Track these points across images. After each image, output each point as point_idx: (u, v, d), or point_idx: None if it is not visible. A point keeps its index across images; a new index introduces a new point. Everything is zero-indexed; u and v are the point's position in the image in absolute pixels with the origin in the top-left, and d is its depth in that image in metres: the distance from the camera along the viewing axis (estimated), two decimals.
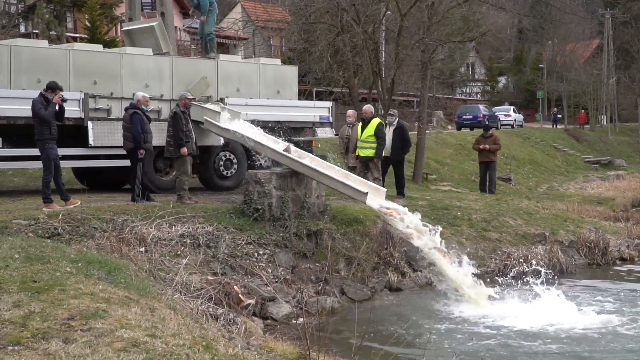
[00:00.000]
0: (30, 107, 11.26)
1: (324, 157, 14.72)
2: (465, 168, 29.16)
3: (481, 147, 19.49)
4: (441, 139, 33.31)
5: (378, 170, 15.23)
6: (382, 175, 16.59)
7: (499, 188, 26.68)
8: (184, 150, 12.65)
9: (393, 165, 16.45)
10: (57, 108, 11.27)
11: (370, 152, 14.99)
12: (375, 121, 15.08)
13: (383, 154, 16.36)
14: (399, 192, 16.33)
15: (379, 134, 15.00)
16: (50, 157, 11.21)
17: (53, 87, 11.25)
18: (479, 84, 66.35)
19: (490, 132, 20.09)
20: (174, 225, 11.22)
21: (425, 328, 10.07)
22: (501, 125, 46.35)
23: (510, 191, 25.82)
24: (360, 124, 15.39)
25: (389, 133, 16.26)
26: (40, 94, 11.27)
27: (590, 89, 52.36)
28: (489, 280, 12.50)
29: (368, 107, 15.57)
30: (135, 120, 12.16)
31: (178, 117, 12.62)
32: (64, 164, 14.22)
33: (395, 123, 16.27)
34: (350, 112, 16.75)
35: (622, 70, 56.81)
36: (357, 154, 15.28)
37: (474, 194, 20.05)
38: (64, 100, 11.32)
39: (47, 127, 11.13)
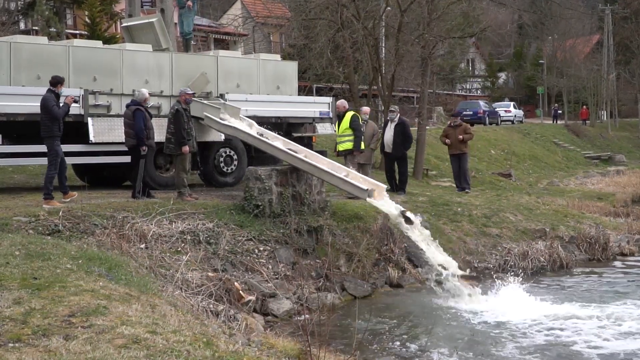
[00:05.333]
0: (27, 104, 11.65)
1: (323, 153, 14.72)
2: None
3: (447, 142, 17.67)
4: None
5: (354, 164, 14.90)
6: (388, 172, 16.61)
7: (498, 184, 26.72)
8: (186, 149, 12.62)
9: (395, 161, 16.43)
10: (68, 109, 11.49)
11: (348, 145, 14.78)
12: (349, 114, 14.85)
13: (385, 150, 16.39)
14: (400, 187, 16.31)
15: (353, 125, 14.73)
16: (58, 153, 11.37)
17: (60, 81, 11.47)
18: (479, 79, 66.26)
19: (459, 120, 18.25)
20: (174, 222, 11.22)
21: (426, 324, 10.08)
22: (501, 121, 46.31)
23: (510, 187, 25.80)
24: (337, 120, 15.28)
25: (389, 129, 16.23)
26: (50, 90, 11.40)
27: (590, 85, 52.27)
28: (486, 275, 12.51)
29: (341, 102, 15.36)
30: (139, 116, 12.14)
31: (180, 115, 12.58)
32: None
33: (396, 119, 16.25)
34: (366, 108, 16.75)
35: (622, 66, 56.70)
36: (337, 149, 15.13)
37: (474, 189, 20.03)
38: (75, 101, 11.58)
39: (57, 124, 11.29)
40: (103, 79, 13.50)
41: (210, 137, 14.35)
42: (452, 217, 14.82)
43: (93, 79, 13.36)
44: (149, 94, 12.78)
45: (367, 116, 15.98)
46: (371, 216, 13.16)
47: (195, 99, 13.90)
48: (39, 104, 11.37)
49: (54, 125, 11.28)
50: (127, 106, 12.51)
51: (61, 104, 11.49)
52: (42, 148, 12.96)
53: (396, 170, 16.59)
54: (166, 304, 7.22)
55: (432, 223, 14.01)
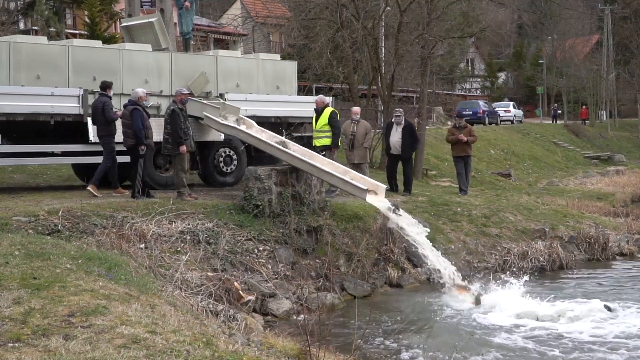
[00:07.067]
0: (27, 104, 12.36)
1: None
2: None
3: (458, 137, 16.80)
4: (441, 135, 33.29)
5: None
6: (390, 172, 16.58)
7: (498, 184, 26.72)
8: (183, 148, 12.62)
9: (402, 163, 16.43)
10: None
11: (326, 141, 14.59)
12: (328, 110, 14.70)
13: (391, 152, 16.35)
14: (406, 188, 16.32)
15: (332, 122, 14.56)
16: (115, 149, 12.58)
17: (109, 85, 12.76)
18: (479, 79, 66.25)
19: (464, 122, 17.59)
20: (174, 222, 11.23)
21: (425, 323, 10.09)
22: (501, 121, 46.31)
23: (510, 187, 25.80)
24: (314, 116, 15.18)
25: (396, 132, 16.20)
26: (102, 94, 12.56)
27: (589, 85, 52.27)
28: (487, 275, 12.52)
29: (319, 98, 15.19)
30: (136, 116, 12.15)
31: (176, 115, 12.57)
32: (63, 160, 14.28)
33: (402, 122, 16.23)
34: (356, 108, 16.69)
35: (622, 66, 56.70)
36: (313, 144, 14.85)
37: (473, 189, 20.00)
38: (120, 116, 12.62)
39: (113, 125, 12.50)
40: (103, 78, 13.48)
41: (209, 136, 14.35)
42: (452, 217, 14.82)
43: (93, 79, 13.35)
44: (147, 93, 12.80)
45: (358, 116, 15.91)
46: (371, 216, 13.16)
47: (194, 98, 13.91)
48: (94, 107, 12.56)
49: (111, 125, 12.50)
50: (125, 106, 12.53)
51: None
52: (42, 148, 13.04)
53: (398, 172, 16.59)
54: (166, 303, 7.22)
55: (432, 223, 14.02)
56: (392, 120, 16.62)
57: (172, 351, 5.29)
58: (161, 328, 5.91)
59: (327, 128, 14.58)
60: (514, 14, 59.70)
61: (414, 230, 12.31)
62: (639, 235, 16.68)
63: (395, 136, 16.17)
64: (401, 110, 16.99)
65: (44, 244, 8.67)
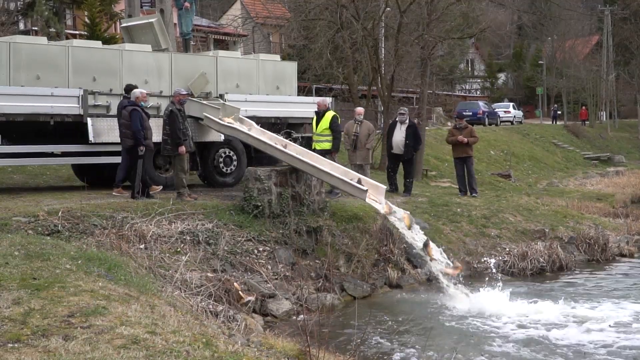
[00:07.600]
0: (26, 104, 12.38)
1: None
2: None
3: (458, 139, 16.57)
4: (441, 136, 33.31)
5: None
6: (391, 172, 16.56)
7: (498, 184, 26.72)
8: (182, 149, 12.61)
9: (403, 163, 16.38)
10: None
11: (326, 145, 14.58)
12: (330, 114, 14.67)
13: (393, 151, 16.32)
14: (406, 189, 16.27)
15: (333, 127, 14.56)
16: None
17: (132, 89, 12.67)
18: (479, 80, 66.27)
19: (464, 122, 17.25)
20: (174, 222, 11.22)
21: (425, 324, 10.09)
22: (501, 121, 46.32)
23: (509, 187, 25.81)
24: (315, 117, 15.07)
25: (400, 131, 16.16)
26: (125, 97, 12.65)
27: (589, 85, 52.31)
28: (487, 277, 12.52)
29: (322, 100, 15.14)
30: (135, 116, 12.14)
31: (175, 116, 12.56)
32: (63, 160, 14.28)
33: (407, 121, 16.21)
34: (360, 109, 16.68)
35: (622, 67, 56.77)
36: (313, 147, 14.77)
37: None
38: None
39: None
40: (102, 79, 13.49)
41: (209, 137, 14.35)
42: (452, 218, 14.81)
43: (92, 79, 13.35)
44: (147, 94, 12.79)
45: (362, 117, 15.88)
46: (370, 217, 13.16)
47: (194, 99, 13.90)
48: (117, 108, 12.62)
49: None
50: (124, 107, 12.52)
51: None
52: (42, 148, 13.05)
53: (399, 172, 16.56)
54: (165, 304, 7.22)
55: (432, 224, 14.02)
56: (396, 119, 16.58)
57: (171, 352, 5.29)
58: (161, 329, 5.91)
59: (328, 132, 14.60)
60: (513, 15, 59.82)
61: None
62: (638, 236, 16.68)
63: (399, 135, 16.13)
64: (406, 109, 16.96)
65: (44, 244, 8.67)
